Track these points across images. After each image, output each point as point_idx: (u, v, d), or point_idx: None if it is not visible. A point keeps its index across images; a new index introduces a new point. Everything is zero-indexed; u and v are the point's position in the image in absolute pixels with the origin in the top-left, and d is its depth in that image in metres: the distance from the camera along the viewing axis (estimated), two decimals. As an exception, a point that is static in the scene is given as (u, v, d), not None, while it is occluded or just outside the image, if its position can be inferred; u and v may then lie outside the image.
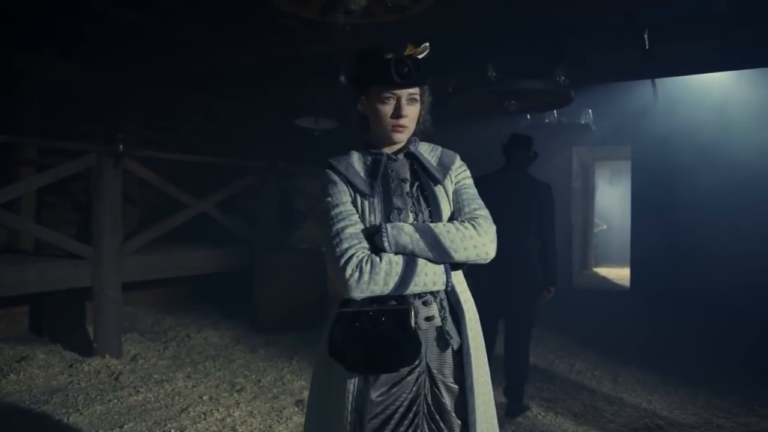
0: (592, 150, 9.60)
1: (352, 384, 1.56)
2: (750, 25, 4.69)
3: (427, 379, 1.60)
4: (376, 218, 1.61)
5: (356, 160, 1.69)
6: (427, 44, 1.65)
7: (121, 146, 4.71)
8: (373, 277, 1.51)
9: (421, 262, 1.55)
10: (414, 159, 1.71)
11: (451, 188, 1.71)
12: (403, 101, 1.63)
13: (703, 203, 6.88)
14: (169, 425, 3.48)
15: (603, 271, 11.07)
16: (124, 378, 4.29)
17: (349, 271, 1.51)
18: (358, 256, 1.53)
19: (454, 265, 1.62)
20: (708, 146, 6.76)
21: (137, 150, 5.13)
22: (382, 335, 1.51)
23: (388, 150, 1.71)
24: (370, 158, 1.69)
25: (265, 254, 6.05)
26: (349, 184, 1.64)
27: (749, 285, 6.21)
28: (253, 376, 4.47)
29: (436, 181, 1.69)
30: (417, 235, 1.56)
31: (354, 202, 1.64)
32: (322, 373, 1.68)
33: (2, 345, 4.76)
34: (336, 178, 1.65)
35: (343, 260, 1.53)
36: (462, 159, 1.79)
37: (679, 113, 7.01)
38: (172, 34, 5.25)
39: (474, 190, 1.74)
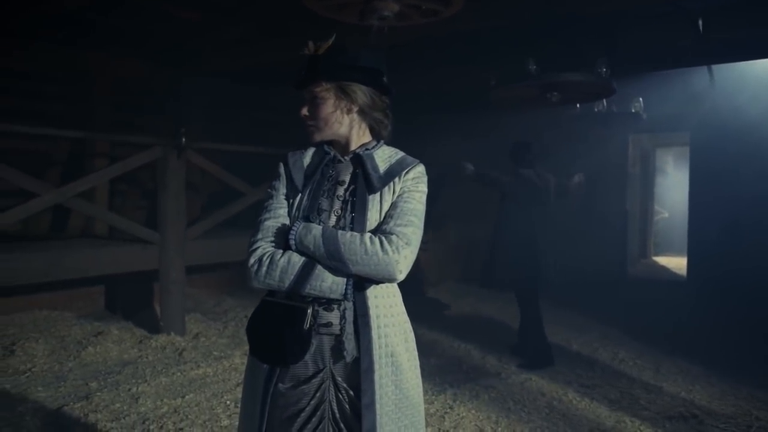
0: (652, 136, 9.38)
1: (262, 371, 1.61)
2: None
3: (332, 386, 1.59)
4: (299, 215, 1.62)
5: (309, 156, 1.71)
6: (331, 39, 1.62)
7: (183, 139, 5.03)
8: (269, 272, 1.54)
9: (320, 267, 1.54)
10: (360, 162, 1.66)
11: (389, 198, 1.62)
12: (307, 102, 1.65)
13: (765, 193, 6.66)
14: (225, 397, 3.80)
15: (663, 260, 10.80)
16: (187, 354, 4.66)
17: (251, 262, 1.57)
18: (263, 249, 1.58)
19: (369, 279, 1.57)
20: (769, 133, 6.54)
21: (199, 142, 5.46)
22: (274, 328, 1.55)
23: (339, 150, 1.71)
24: (318, 156, 1.70)
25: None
26: (290, 177, 1.67)
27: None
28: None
29: (372, 189, 1.61)
30: (320, 240, 1.53)
31: (288, 196, 1.66)
32: (249, 357, 1.71)
33: (82, 321, 5.25)
34: (282, 170, 1.70)
35: (249, 250, 1.59)
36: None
37: (739, 99, 6.79)
38: (229, 31, 5.53)
39: (414, 205, 1.61)
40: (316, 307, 1.57)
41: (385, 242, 1.53)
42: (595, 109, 6.09)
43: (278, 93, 7.47)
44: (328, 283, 1.53)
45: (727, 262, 6.84)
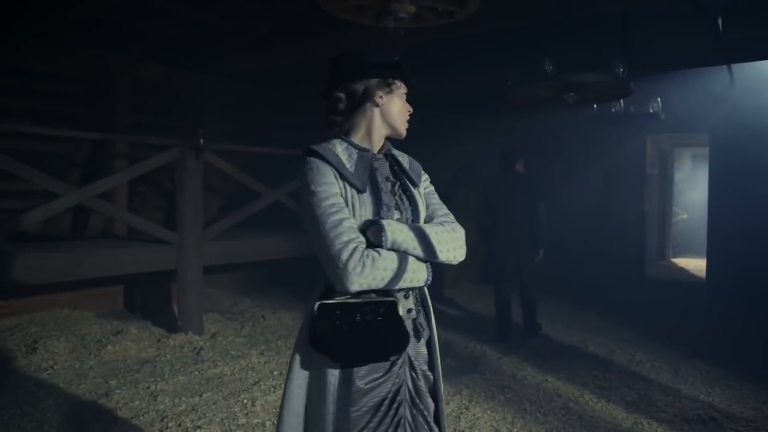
0: (670, 136, 9.27)
1: (333, 375, 1.57)
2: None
3: (408, 368, 1.66)
4: (366, 213, 1.62)
5: (341, 152, 1.66)
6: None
7: (201, 140, 5.09)
8: (373, 272, 1.52)
9: (410, 259, 1.59)
10: (394, 160, 1.77)
11: (421, 192, 1.78)
12: (401, 99, 1.77)
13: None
14: (242, 396, 3.83)
15: (682, 261, 10.68)
16: (204, 353, 4.71)
17: (351, 264, 1.50)
18: (359, 250, 1.52)
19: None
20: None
21: (216, 143, 5.51)
22: (372, 326, 1.53)
23: (373, 149, 1.75)
24: (356, 153, 1.68)
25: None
26: (339, 175, 1.62)
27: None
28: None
29: (414, 184, 1.75)
30: (411, 234, 1.60)
31: (342, 194, 1.62)
32: (303, 365, 1.66)
33: (101, 320, 5.33)
34: (324, 167, 1.61)
35: (346, 253, 1.51)
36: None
37: (760, 98, 6.71)
38: (248, 34, 5.58)
39: (438, 198, 1.82)
40: (406, 296, 1.67)
41: (455, 228, 1.72)
42: (612, 110, 6.04)
43: (295, 94, 7.53)
44: (416, 273, 1.61)
45: (746, 264, 6.75)
